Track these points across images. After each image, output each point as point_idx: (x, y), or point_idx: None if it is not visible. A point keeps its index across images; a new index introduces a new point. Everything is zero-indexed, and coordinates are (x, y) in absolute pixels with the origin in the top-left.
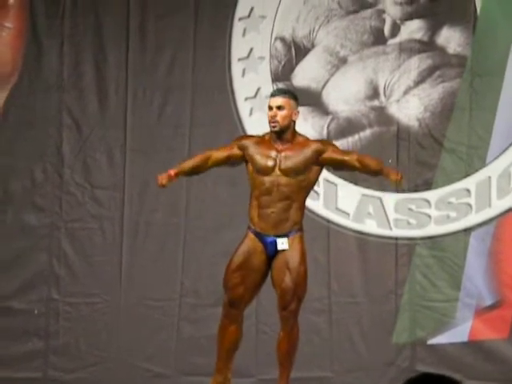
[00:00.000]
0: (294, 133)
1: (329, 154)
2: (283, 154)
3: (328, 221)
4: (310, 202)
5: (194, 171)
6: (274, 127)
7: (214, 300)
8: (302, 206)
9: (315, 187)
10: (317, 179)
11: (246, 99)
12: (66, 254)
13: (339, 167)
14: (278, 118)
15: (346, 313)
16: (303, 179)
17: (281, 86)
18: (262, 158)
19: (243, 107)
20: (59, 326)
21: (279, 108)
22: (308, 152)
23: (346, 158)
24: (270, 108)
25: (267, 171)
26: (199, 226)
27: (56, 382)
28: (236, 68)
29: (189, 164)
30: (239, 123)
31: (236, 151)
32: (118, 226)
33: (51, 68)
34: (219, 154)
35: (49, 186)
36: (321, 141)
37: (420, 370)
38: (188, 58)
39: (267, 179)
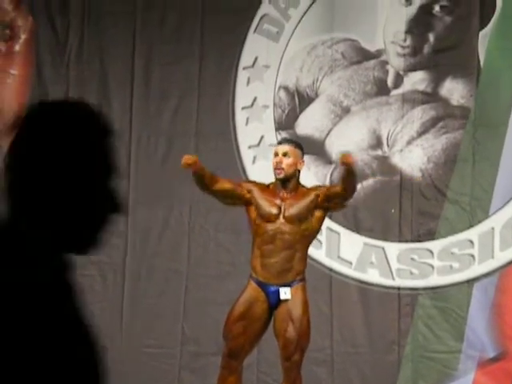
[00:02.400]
0: (298, 183)
1: (323, 191)
2: (287, 202)
3: (330, 269)
4: (312, 251)
5: (202, 181)
6: (279, 174)
7: (215, 349)
8: (305, 256)
9: (318, 236)
10: (319, 228)
11: (250, 147)
12: None
13: (335, 204)
14: (284, 165)
15: (348, 363)
16: (306, 228)
17: (284, 134)
18: (267, 204)
19: (246, 155)
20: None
21: (285, 155)
22: (309, 197)
23: (336, 190)
24: (276, 155)
25: (271, 218)
26: (201, 273)
27: None
28: (240, 116)
29: (206, 172)
30: (242, 171)
31: (242, 190)
32: (120, 272)
33: None
34: (226, 184)
35: None
36: (320, 185)
37: None
38: (192, 106)
39: (270, 227)
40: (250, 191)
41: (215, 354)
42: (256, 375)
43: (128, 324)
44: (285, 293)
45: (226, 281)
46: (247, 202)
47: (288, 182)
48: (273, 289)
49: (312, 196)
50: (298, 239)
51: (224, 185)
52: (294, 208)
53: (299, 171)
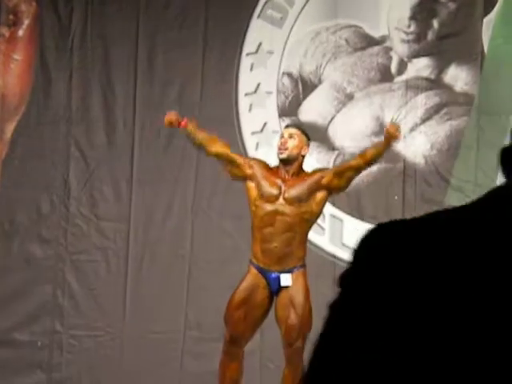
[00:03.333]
0: (301, 168)
1: (331, 170)
2: (288, 183)
3: (334, 256)
4: (315, 238)
5: (194, 141)
6: (281, 153)
7: (218, 334)
8: (305, 241)
9: (321, 222)
10: (319, 213)
11: (253, 134)
12: (71, 286)
13: (343, 179)
14: (288, 145)
15: None
16: (306, 210)
17: (287, 121)
18: (268, 183)
19: (250, 141)
20: (62, 359)
21: (291, 136)
22: (312, 178)
23: (350, 163)
24: (282, 137)
25: (271, 198)
26: (204, 258)
27: None
28: (243, 102)
29: (200, 134)
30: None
31: (244, 163)
32: (123, 258)
33: (59, 100)
34: (223, 147)
35: (55, 218)
36: (322, 167)
37: None
38: (195, 92)
39: (270, 207)
40: (251, 166)
41: (218, 340)
42: (259, 361)
43: (131, 309)
44: (286, 279)
45: (229, 266)
46: (247, 177)
47: (290, 164)
48: (274, 275)
49: (315, 177)
50: (298, 222)
51: (220, 148)
52: (295, 189)
53: (303, 157)
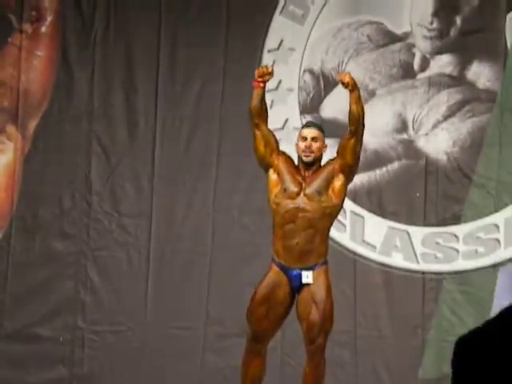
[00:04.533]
0: (320, 165)
1: (337, 156)
2: (308, 179)
3: (354, 253)
4: (336, 234)
5: (259, 103)
6: (307, 157)
7: (239, 330)
8: (326, 237)
9: (342, 219)
10: (340, 205)
11: (274, 131)
12: (92, 282)
13: (347, 155)
14: (314, 149)
15: (372, 346)
16: (327, 205)
17: (309, 118)
18: (291, 179)
19: (300, 138)
20: (84, 354)
21: (314, 139)
22: (327, 169)
23: (343, 139)
24: (305, 138)
25: (292, 195)
26: (225, 255)
27: None
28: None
29: (263, 103)
30: None
31: (273, 150)
32: (145, 254)
33: (81, 97)
34: (267, 131)
35: (77, 214)
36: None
37: None
38: (217, 89)
39: (291, 204)
40: (278, 157)
41: (239, 335)
42: (280, 358)
43: (153, 305)
44: (307, 276)
45: (249, 263)
46: (272, 166)
47: (313, 165)
48: (295, 273)
49: (329, 167)
50: (319, 218)
51: (265, 129)
52: (313, 184)
53: (322, 155)
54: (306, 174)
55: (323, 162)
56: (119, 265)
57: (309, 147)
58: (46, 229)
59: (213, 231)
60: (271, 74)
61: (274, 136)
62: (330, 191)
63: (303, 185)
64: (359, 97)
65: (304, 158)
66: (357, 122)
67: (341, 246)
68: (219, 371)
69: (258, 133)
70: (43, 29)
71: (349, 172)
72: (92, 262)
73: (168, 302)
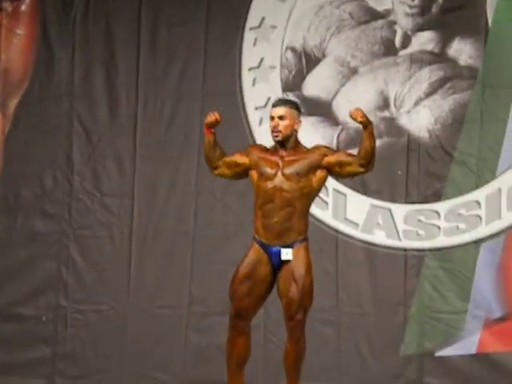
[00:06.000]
0: (297, 142)
1: (335, 155)
2: (286, 159)
3: (337, 231)
4: (318, 212)
5: (212, 150)
6: (276, 137)
7: (221, 308)
8: (306, 215)
9: (324, 197)
10: (319, 188)
11: (256, 109)
12: (75, 261)
13: (343, 172)
14: (280, 128)
15: (354, 323)
16: (305, 185)
17: (291, 95)
18: (266, 162)
19: (253, 116)
20: (66, 333)
21: (281, 118)
22: (313, 156)
23: (351, 158)
24: (272, 118)
25: (270, 176)
26: (208, 234)
27: None
28: (246, 77)
29: (217, 150)
30: (249, 132)
31: (241, 155)
32: (127, 233)
33: (62, 75)
34: (225, 159)
35: (58, 193)
36: (325, 145)
37: (428, 382)
38: (199, 67)
39: (270, 185)
40: (247, 154)
41: (222, 314)
42: (263, 335)
43: (135, 284)
44: (286, 253)
45: (232, 242)
46: (247, 167)
47: (286, 142)
48: (275, 250)
49: (316, 156)
50: (297, 196)
51: (224, 161)
52: (294, 166)
53: (297, 131)
54: (284, 154)
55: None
56: (101, 244)
57: (275, 127)
58: (28, 208)
59: (195, 211)
60: (219, 121)
61: (232, 155)
62: (312, 176)
63: (280, 164)
64: (372, 133)
65: (274, 139)
66: (370, 157)
67: (323, 223)
68: (202, 350)
69: (219, 171)
70: (23, 7)
71: (334, 176)
72: (74, 241)
73: (151, 281)
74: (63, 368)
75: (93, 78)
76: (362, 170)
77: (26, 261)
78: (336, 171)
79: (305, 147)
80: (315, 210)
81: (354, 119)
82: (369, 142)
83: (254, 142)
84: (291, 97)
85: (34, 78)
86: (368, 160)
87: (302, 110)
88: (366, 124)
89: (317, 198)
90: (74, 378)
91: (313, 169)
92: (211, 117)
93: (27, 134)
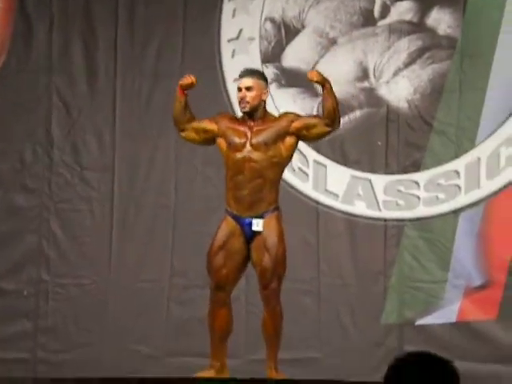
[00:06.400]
0: (265, 112)
1: (301, 120)
2: (255, 129)
3: (317, 202)
4: (299, 184)
5: (182, 110)
6: (243, 108)
7: (203, 281)
8: (276, 185)
9: (305, 169)
10: (290, 155)
11: (235, 81)
12: (55, 235)
13: (311, 134)
14: (248, 99)
15: (335, 294)
16: (274, 154)
17: (271, 67)
18: (234, 132)
19: (233, 89)
20: (48, 307)
21: (248, 89)
22: (280, 123)
23: (320, 122)
24: (240, 90)
25: (238, 146)
26: (189, 207)
27: (45, 362)
28: (226, 49)
29: (186, 113)
30: (229, 105)
31: (210, 121)
32: (108, 207)
33: (40, 48)
34: (191, 124)
35: (38, 168)
36: (292, 112)
37: (408, 350)
38: (177, 41)
39: (239, 155)
40: (216, 122)
41: (203, 287)
42: (245, 307)
43: (117, 257)
44: (257, 224)
45: (213, 214)
46: (215, 134)
47: (254, 113)
48: (247, 221)
49: (283, 123)
50: (266, 166)
51: (192, 124)
52: (261, 135)
53: (265, 101)
54: (252, 124)
55: (281, 110)
56: (82, 218)
57: (243, 98)
58: (8, 183)
59: (176, 184)
60: (194, 84)
61: (201, 120)
62: (280, 144)
63: (249, 135)
64: (331, 89)
65: (241, 109)
66: (332, 115)
67: (304, 195)
68: (184, 322)
69: (186, 133)
70: None
71: (304, 141)
72: (55, 215)
73: (132, 254)
74: (45, 342)
75: (71, 52)
76: (328, 129)
77: (6, 235)
78: (304, 135)
79: (273, 116)
80: (296, 181)
81: (311, 80)
82: (330, 100)
83: (235, 114)
84: (271, 68)
85: (12, 52)
86: (332, 118)
87: (282, 81)
88: (323, 82)
89: (297, 170)
90: (55, 351)
91: (281, 136)
92: (187, 79)
93: (5, 109)
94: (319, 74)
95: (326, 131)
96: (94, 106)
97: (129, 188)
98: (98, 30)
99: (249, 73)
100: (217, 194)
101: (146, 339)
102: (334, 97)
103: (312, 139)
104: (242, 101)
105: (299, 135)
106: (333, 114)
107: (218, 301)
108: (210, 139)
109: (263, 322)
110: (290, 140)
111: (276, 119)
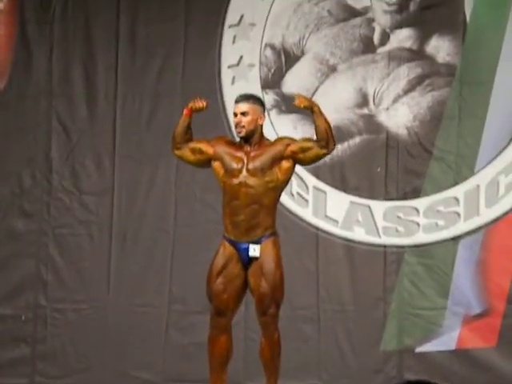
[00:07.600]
0: (262, 137)
1: (297, 143)
2: (251, 154)
3: (317, 228)
4: (299, 210)
5: (181, 135)
6: (239, 132)
7: (202, 307)
8: (273, 210)
9: (305, 195)
10: (286, 179)
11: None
12: (54, 260)
13: (307, 157)
14: (243, 124)
15: (335, 320)
16: (270, 179)
17: (271, 93)
18: (231, 158)
19: (232, 115)
20: (46, 332)
21: (243, 114)
22: (276, 147)
23: (314, 147)
24: (235, 115)
25: (235, 172)
26: (188, 232)
27: None
28: (226, 75)
29: (185, 135)
30: (229, 131)
31: (207, 144)
32: (107, 232)
33: (40, 73)
34: (188, 144)
35: (37, 192)
36: (287, 136)
37: (407, 378)
38: (178, 65)
39: (235, 181)
40: (212, 146)
41: (202, 313)
42: (244, 333)
43: (115, 283)
44: (254, 250)
45: (212, 240)
46: (211, 158)
47: (250, 138)
48: (243, 246)
49: (279, 147)
50: (262, 192)
51: (194, 143)
52: (258, 160)
53: (261, 126)
54: (249, 149)
55: (276, 135)
56: (81, 243)
57: (238, 123)
58: (7, 207)
59: (175, 209)
60: (203, 110)
61: (198, 141)
62: (276, 169)
63: (245, 160)
64: (320, 112)
65: (237, 135)
66: (325, 136)
67: (303, 221)
68: (184, 348)
69: (181, 152)
70: (1, 5)
71: (300, 164)
72: (53, 240)
73: (130, 280)
74: (43, 367)
75: (71, 76)
76: (324, 151)
77: (4, 260)
78: (300, 158)
79: (269, 141)
80: (296, 207)
81: (299, 107)
82: (321, 123)
83: (233, 139)
84: (271, 94)
85: (12, 77)
86: (326, 139)
87: (283, 107)
88: (311, 106)
89: (297, 196)
90: (54, 377)
91: (277, 160)
92: (199, 103)
93: (5, 133)
94: (305, 99)
95: (321, 153)
96: (93, 130)
97: (127, 212)
98: (98, 55)
99: (244, 98)
100: (216, 219)
101: (144, 365)
102: (325, 118)
103: (308, 162)
104: (237, 125)
105: (295, 159)
106: (325, 135)
107: (219, 327)
108: (203, 161)
109: (261, 348)
110: (286, 164)
111: (272, 144)
